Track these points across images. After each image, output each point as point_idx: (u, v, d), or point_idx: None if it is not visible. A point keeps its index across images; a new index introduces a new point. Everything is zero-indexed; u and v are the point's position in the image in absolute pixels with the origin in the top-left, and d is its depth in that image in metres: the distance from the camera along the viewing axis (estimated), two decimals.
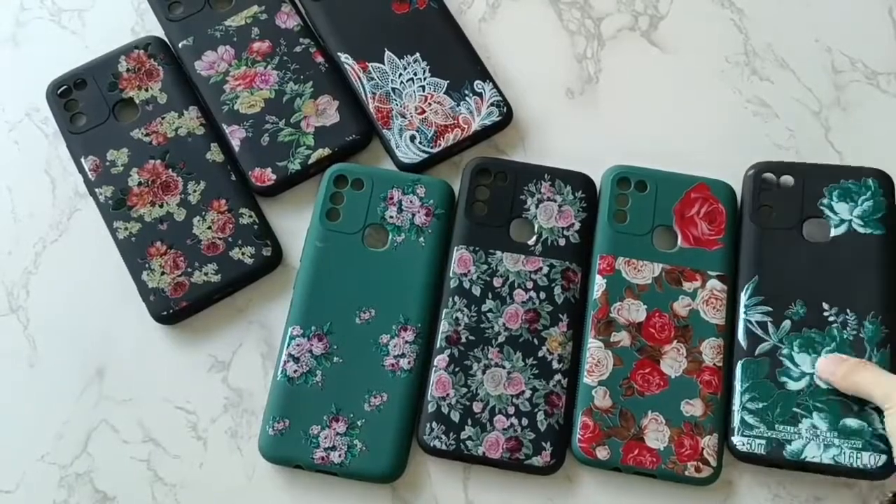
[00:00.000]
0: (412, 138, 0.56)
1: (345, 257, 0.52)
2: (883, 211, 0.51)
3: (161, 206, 0.54)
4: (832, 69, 0.59)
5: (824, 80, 0.58)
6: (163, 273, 0.53)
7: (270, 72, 0.57)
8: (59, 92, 0.57)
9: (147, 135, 0.56)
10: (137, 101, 0.57)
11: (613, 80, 0.59)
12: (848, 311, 0.49)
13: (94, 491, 0.51)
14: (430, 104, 0.56)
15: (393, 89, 0.57)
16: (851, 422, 0.47)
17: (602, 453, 0.48)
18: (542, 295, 0.51)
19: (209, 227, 0.54)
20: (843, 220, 0.51)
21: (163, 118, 0.56)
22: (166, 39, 0.59)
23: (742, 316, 0.50)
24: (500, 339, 0.51)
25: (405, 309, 0.51)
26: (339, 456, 0.49)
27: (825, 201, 0.52)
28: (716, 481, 0.49)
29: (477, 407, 0.50)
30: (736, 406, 0.48)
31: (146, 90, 0.57)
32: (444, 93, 0.57)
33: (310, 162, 0.55)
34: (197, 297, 0.53)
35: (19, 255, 0.55)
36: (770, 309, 0.49)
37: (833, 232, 0.51)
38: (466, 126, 0.56)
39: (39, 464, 0.51)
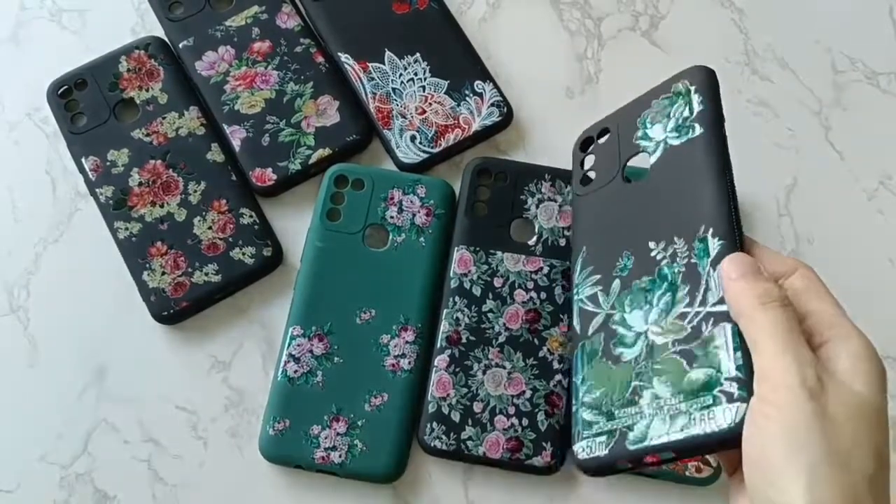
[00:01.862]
0: (412, 138, 0.56)
1: (345, 257, 0.52)
2: (698, 108, 0.41)
3: (162, 206, 0.54)
4: (832, 69, 0.59)
5: (825, 79, 0.58)
6: (163, 273, 0.53)
7: (271, 72, 0.57)
8: (59, 92, 0.57)
9: (148, 135, 0.56)
10: (138, 102, 0.56)
11: (614, 80, 0.59)
12: (675, 238, 0.38)
13: (95, 491, 0.51)
14: (430, 104, 0.56)
15: (393, 89, 0.57)
16: (697, 373, 0.34)
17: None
18: (543, 295, 0.51)
19: (210, 227, 0.54)
20: (657, 143, 0.41)
21: (163, 118, 0.56)
22: (167, 39, 0.59)
23: (575, 298, 0.40)
24: (501, 339, 0.51)
25: (406, 309, 0.51)
26: (340, 456, 0.49)
27: (640, 134, 0.42)
28: (717, 481, 0.49)
29: (477, 407, 0.49)
30: (575, 405, 0.38)
31: (147, 90, 0.57)
32: (445, 93, 0.57)
33: (310, 162, 0.55)
34: (197, 297, 0.53)
35: (19, 255, 0.55)
36: (599, 276, 0.40)
37: (651, 160, 0.41)
38: (467, 126, 0.56)
39: (40, 464, 0.51)
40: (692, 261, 0.36)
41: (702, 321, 0.34)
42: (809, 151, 0.57)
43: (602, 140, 0.44)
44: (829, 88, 0.58)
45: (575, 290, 0.40)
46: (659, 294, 0.37)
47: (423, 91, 0.57)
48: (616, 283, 0.38)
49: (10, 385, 0.53)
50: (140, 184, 0.55)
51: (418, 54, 0.57)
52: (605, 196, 0.42)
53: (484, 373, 0.50)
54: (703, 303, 0.35)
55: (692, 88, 0.40)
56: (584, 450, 0.36)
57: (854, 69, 0.59)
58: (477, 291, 0.52)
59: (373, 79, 0.57)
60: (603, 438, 0.34)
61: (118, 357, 0.53)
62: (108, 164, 0.55)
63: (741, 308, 0.32)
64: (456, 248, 0.52)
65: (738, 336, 0.33)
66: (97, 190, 0.55)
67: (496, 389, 0.50)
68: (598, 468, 0.35)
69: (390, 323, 0.51)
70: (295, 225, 0.55)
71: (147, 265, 0.53)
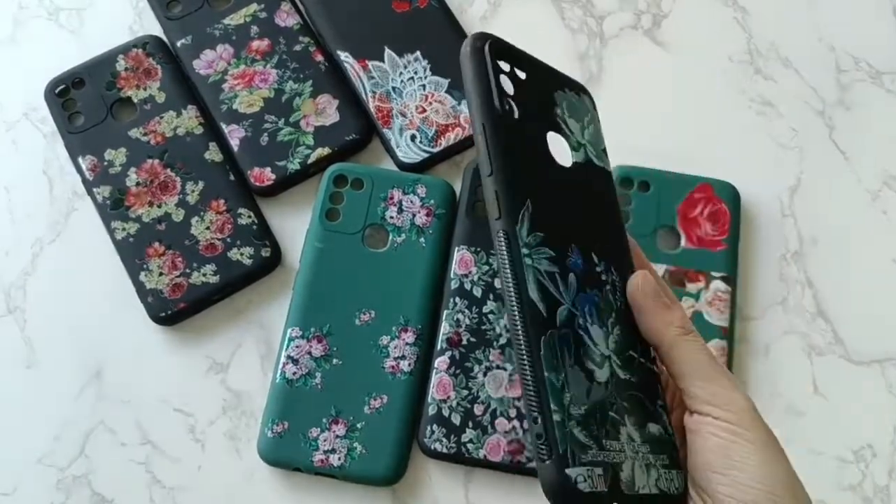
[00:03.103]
0: (413, 137, 0.55)
1: (344, 258, 0.52)
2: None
3: (159, 206, 0.54)
4: (836, 68, 0.58)
5: (828, 79, 0.58)
6: (161, 274, 0.52)
7: (269, 71, 0.57)
8: (56, 91, 0.56)
9: (145, 134, 0.55)
10: (135, 101, 0.56)
11: (616, 79, 0.58)
12: (611, 268, 0.33)
13: (92, 493, 0.50)
14: (430, 103, 0.56)
15: (393, 88, 0.56)
16: (653, 427, 0.31)
17: None
18: None
19: (208, 228, 0.53)
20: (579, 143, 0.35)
21: (161, 117, 0.56)
22: (165, 38, 0.58)
23: (528, 262, 0.29)
24: (502, 340, 0.50)
25: (405, 310, 0.51)
26: (339, 459, 0.48)
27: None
28: None
29: (478, 409, 0.49)
30: (558, 414, 0.28)
31: (144, 89, 0.56)
32: (445, 92, 0.56)
33: (309, 161, 0.55)
34: (195, 298, 0.52)
35: (17, 255, 0.55)
36: (552, 254, 0.30)
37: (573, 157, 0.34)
38: (467, 125, 0.55)
39: (37, 466, 0.51)
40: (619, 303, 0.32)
41: (647, 375, 0.32)
42: (813, 151, 0.56)
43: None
44: (833, 88, 0.58)
45: (523, 250, 0.29)
46: (611, 322, 0.31)
47: (424, 90, 0.56)
48: (572, 279, 0.30)
49: (7, 386, 0.53)
50: (137, 183, 0.54)
51: (418, 52, 0.57)
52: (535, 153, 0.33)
53: (485, 375, 0.50)
54: (644, 354, 0.32)
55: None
56: (585, 480, 0.28)
57: (858, 68, 0.58)
58: (478, 292, 0.51)
59: (372, 77, 0.56)
60: (599, 471, 0.28)
61: (115, 358, 0.53)
62: (105, 163, 0.55)
63: (663, 339, 0.31)
64: (456, 249, 0.52)
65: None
66: (94, 190, 0.54)
67: (497, 391, 0.49)
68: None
69: (390, 324, 0.51)
70: (294, 225, 0.55)
71: (144, 266, 0.53)
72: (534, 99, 0.32)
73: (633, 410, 0.31)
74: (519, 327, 0.28)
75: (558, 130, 0.33)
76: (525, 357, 0.28)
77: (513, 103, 0.31)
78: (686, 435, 0.31)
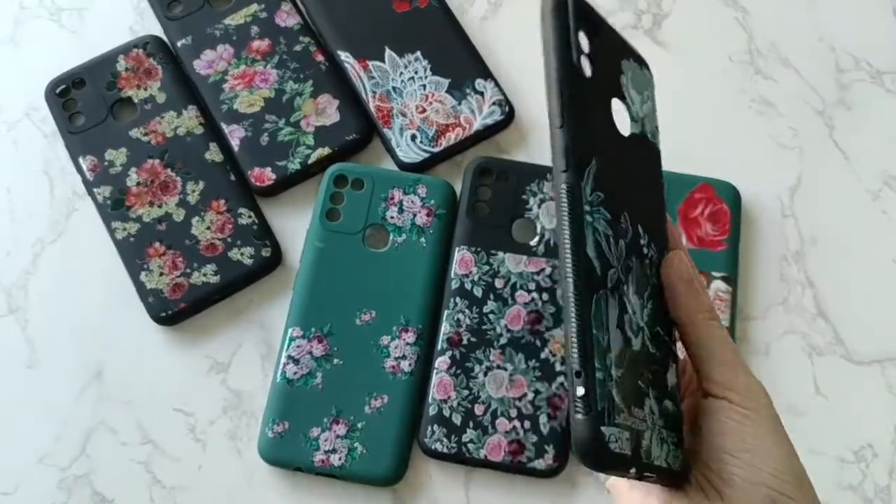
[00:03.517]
0: (413, 137, 0.55)
1: (345, 258, 0.52)
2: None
3: (160, 206, 0.54)
4: (836, 68, 0.58)
5: (828, 79, 0.58)
6: (161, 274, 0.52)
7: (270, 71, 0.57)
8: (57, 91, 0.56)
9: (146, 134, 0.55)
10: (136, 101, 0.56)
11: None
12: (652, 244, 0.32)
13: (93, 493, 0.50)
14: (431, 103, 0.56)
15: (394, 88, 0.56)
16: (668, 404, 0.31)
17: None
18: (545, 296, 0.51)
19: (208, 228, 0.53)
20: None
21: (161, 117, 0.56)
22: (165, 38, 0.58)
23: (588, 219, 0.29)
24: (502, 340, 0.50)
25: (406, 310, 0.51)
26: (340, 459, 0.48)
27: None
28: None
29: (479, 409, 0.49)
30: (601, 372, 0.27)
31: (145, 89, 0.56)
32: (446, 91, 0.56)
33: (310, 161, 0.55)
34: (196, 299, 0.52)
35: (18, 255, 0.55)
36: (609, 216, 0.30)
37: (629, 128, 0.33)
38: (468, 125, 0.55)
39: (38, 465, 0.51)
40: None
41: (668, 353, 0.33)
42: (813, 151, 0.56)
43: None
44: (834, 88, 0.58)
45: (585, 207, 0.29)
46: (647, 294, 0.31)
47: (424, 90, 0.56)
48: (622, 245, 0.30)
49: (8, 386, 0.53)
50: (138, 183, 0.54)
51: (419, 52, 0.57)
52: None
53: (485, 375, 0.50)
54: (668, 333, 0.33)
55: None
56: (616, 441, 0.28)
57: (858, 68, 0.58)
58: (478, 292, 0.51)
59: (373, 77, 0.56)
60: (627, 435, 0.28)
61: (116, 358, 0.53)
62: (105, 163, 0.55)
63: (692, 321, 0.32)
64: (457, 249, 0.52)
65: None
66: (95, 190, 0.54)
67: (498, 391, 0.49)
68: (616, 466, 0.29)
69: (390, 324, 0.51)
70: (294, 225, 0.55)
71: (145, 266, 0.53)
72: (603, 62, 0.32)
73: (655, 384, 0.31)
74: (571, 282, 0.28)
75: (621, 98, 0.33)
76: (574, 312, 0.28)
77: (586, 62, 0.31)
78: (699, 417, 0.32)
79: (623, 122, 0.33)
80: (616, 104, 0.32)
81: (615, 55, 0.34)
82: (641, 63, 0.36)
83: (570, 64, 0.30)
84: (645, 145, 0.34)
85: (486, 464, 0.49)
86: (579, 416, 0.27)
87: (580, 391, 0.27)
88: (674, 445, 0.31)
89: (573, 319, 0.27)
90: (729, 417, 0.31)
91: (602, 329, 0.28)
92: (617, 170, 0.31)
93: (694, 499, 0.31)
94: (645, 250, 0.32)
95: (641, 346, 0.30)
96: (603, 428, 0.27)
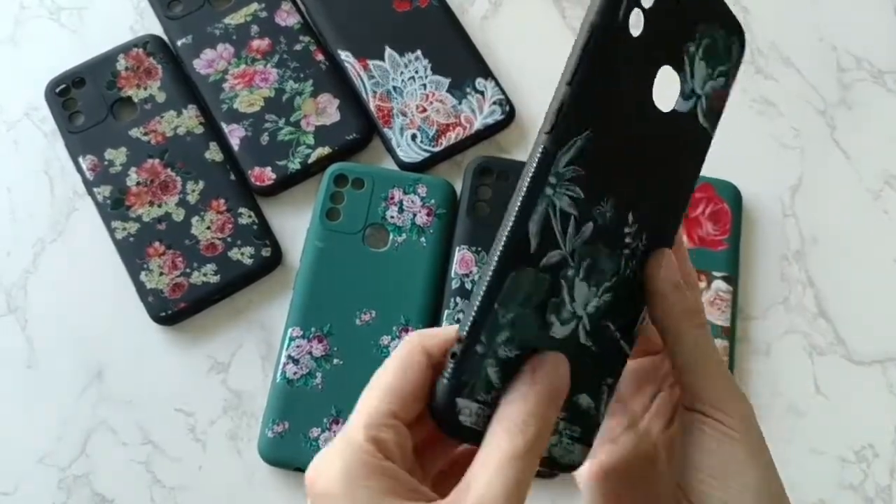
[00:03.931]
0: (413, 137, 0.55)
1: (345, 257, 0.52)
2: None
3: (160, 205, 0.54)
4: (838, 68, 0.58)
5: (830, 78, 0.58)
6: (161, 273, 0.52)
7: (270, 70, 0.57)
8: (57, 91, 0.56)
9: (145, 134, 0.55)
10: (136, 100, 0.56)
11: None
12: (643, 233, 0.29)
13: (93, 493, 0.50)
14: (431, 102, 0.56)
15: (394, 87, 0.56)
16: (584, 399, 0.29)
17: None
18: None
19: (208, 227, 0.53)
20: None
21: (161, 117, 0.56)
22: (165, 38, 0.58)
23: (548, 192, 0.26)
24: None
25: (406, 310, 0.51)
26: None
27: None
28: None
29: None
30: (482, 347, 0.26)
31: (145, 89, 0.56)
32: (446, 91, 0.56)
33: (310, 161, 0.55)
34: (196, 298, 0.52)
35: (18, 255, 0.55)
36: (581, 196, 0.27)
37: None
38: (468, 125, 0.55)
39: (38, 465, 0.51)
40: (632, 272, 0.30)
41: (610, 350, 0.30)
42: (814, 151, 0.56)
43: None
44: (835, 87, 0.58)
45: (551, 179, 0.26)
46: (606, 286, 0.28)
47: (424, 89, 0.56)
48: (588, 228, 0.27)
49: (8, 386, 0.53)
50: (138, 183, 0.54)
51: (419, 52, 0.57)
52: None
53: None
54: (625, 332, 0.30)
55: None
56: (469, 415, 0.27)
57: (860, 68, 0.58)
58: None
59: (373, 77, 0.56)
60: (489, 413, 0.27)
61: (116, 358, 0.53)
62: (105, 163, 0.55)
63: (673, 328, 0.29)
64: (457, 249, 0.52)
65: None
66: (95, 189, 0.54)
67: None
68: (466, 437, 0.28)
69: (390, 324, 0.50)
70: (294, 225, 0.55)
71: (145, 265, 0.53)
72: (667, 21, 0.28)
73: (574, 375, 0.28)
74: (498, 251, 0.26)
75: (677, 68, 0.29)
76: (487, 281, 0.26)
77: (642, 17, 0.26)
78: (676, 430, 0.30)
79: (670, 95, 0.29)
80: (666, 73, 0.28)
81: (693, 16, 0.29)
82: (732, 33, 0.30)
83: (613, 14, 0.26)
84: (690, 127, 0.29)
85: None
86: (443, 380, 0.26)
87: (453, 354, 0.26)
88: (570, 440, 0.29)
89: (483, 288, 0.26)
90: (706, 434, 0.29)
91: (508, 306, 0.26)
92: (627, 148, 0.28)
93: None
94: (627, 240, 0.29)
95: (570, 335, 0.28)
96: (458, 399, 0.26)
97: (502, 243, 0.26)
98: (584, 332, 0.28)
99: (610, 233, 0.28)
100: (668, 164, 0.29)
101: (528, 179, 0.25)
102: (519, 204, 0.25)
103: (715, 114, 0.30)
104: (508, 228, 0.26)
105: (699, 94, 0.29)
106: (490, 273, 0.26)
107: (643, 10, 0.26)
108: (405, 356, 0.27)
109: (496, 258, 0.26)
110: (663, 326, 0.29)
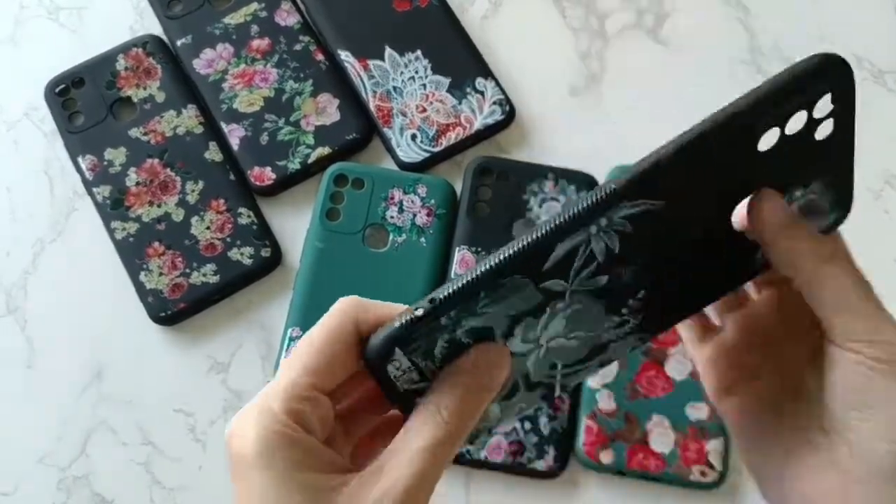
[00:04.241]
0: (413, 137, 0.55)
1: (345, 258, 0.52)
2: None
3: (159, 205, 0.54)
4: None
5: None
6: (161, 274, 0.52)
7: (270, 70, 0.56)
8: (57, 91, 0.56)
9: (145, 134, 0.55)
10: (135, 100, 0.56)
11: (617, 78, 0.58)
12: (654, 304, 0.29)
13: (93, 493, 0.50)
14: (431, 102, 0.56)
15: (394, 87, 0.56)
16: (495, 408, 0.29)
17: (606, 457, 0.48)
18: None
19: (208, 228, 0.53)
20: None
21: (161, 117, 0.55)
22: (165, 37, 0.58)
23: (592, 230, 0.26)
24: None
25: None
26: None
27: None
28: (721, 485, 0.48)
29: None
30: (447, 320, 0.26)
31: (144, 89, 0.56)
32: (446, 91, 0.56)
33: (310, 161, 0.55)
34: (195, 299, 0.52)
35: (17, 255, 0.55)
36: (616, 249, 0.27)
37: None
38: (468, 125, 0.55)
39: (38, 466, 0.51)
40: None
41: (541, 389, 0.30)
42: None
43: None
44: None
45: (602, 220, 0.26)
46: (578, 335, 0.29)
47: (424, 89, 0.56)
48: (602, 280, 0.27)
49: (7, 386, 0.52)
50: (137, 183, 0.54)
51: (419, 52, 0.57)
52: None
53: None
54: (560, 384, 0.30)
55: None
56: (398, 369, 0.28)
57: (860, 67, 0.58)
58: None
59: (373, 77, 0.56)
60: (416, 377, 0.28)
61: (116, 358, 0.53)
62: (105, 163, 0.54)
63: (798, 271, 0.27)
64: (457, 249, 0.52)
65: None
66: (94, 189, 0.54)
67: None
68: (384, 386, 0.28)
69: None
70: (294, 225, 0.55)
71: (144, 266, 0.52)
72: (795, 159, 0.27)
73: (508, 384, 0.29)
74: (514, 249, 0.26)
75: (793, 188, 0.28)
76: (487, 268, 0.26)
77: (776, 138, 0.26)
78: (822, 361, 0.28)
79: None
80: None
81: (818, 167, 0.28)
82: (839, 207, 0.30)
83: (757, 118, 0.26)
84: (742, 254, 0.29)
85: (486, 464, 0.48)
86: (394, 324, 0.26)
87: (418, 311, 0.26)
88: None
89: (475, 272, 0.26)
90: (852, 368, 0.27)
91: (491, 300, 0.26)
92: (680, 236, 0.27)
93: (820, 446, 0.28)
94: (624, 311, 0.28)
95: (523, 353, 0.28)
96: (397, 350, 0.26)
97: (523, 245, 0.26)
98: (535, 358, 0.28)
99: (614, 296, 0.28)
100: (703, 271, 0.29)
101: (584, 207, 0.25)
102: (560, 222, 0.26)
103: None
104: (537, 237, 0.26)
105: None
106: (493, 264, 0.26)
107: (782, 133, 0.26)
108: (335, 328, 0.27)
109: (508, 254, 0.26)
110: (787, 272, 0.28)
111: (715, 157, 0.26)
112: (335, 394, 0.28)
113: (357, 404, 0.29)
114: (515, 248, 0.26)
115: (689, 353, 0.34)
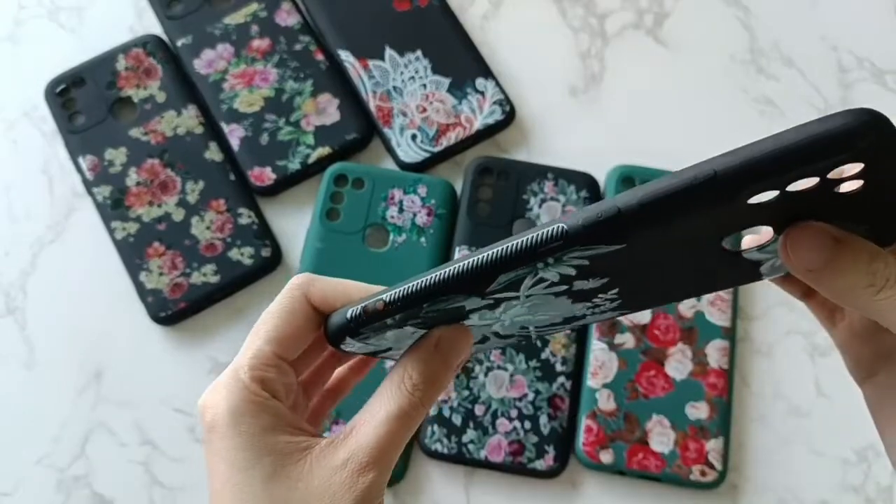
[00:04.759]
0: (413, 137, 0.55)
1: (345, 258, 0.51)
2: None
3: (159, 205, 0.54)
4: (839, 68, 0.58)
5: (831, 78, 0.58)
6: (161, 274, 0.52)
7: (270, 70, 0.56)
8: (57, 90, 0.56)
9: (145, 134, 0.55)
10: (136, 100, 0.56)
11: (618, 78, 0.58)
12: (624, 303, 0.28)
13: (92, 494, 0.50)
14: (431, 102, 0.56)
15: (394, 87, 0.56)
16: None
17: (606, 457, 0.48)
18: None
19: (208, 228, 0.53)
20: None
21: (161, 117, 0.55)
22: (165, 38, 0.58)
23: (538, 266, 0.24)
24: None
25: None
26: None
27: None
28: (721, 485, 0.48)
29: (479, 410, 0.49)
30: (392, 321, 0.27)
31: (144, 89, 0.56)
32: (446, 91, 0.56)
33: (310, 161, 0.55)
34: (195, 298, 0.52)
35: (17, 255, 0.55)
36: (572, 273, 0.25)
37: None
38: (468, 125, 0.55)
39: (37, 466, 0.51)
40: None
41: None
42: None
43: None
44: (836, 87, 0.58)
45: (551, 258, 0.23)
46: (545, 317, 0.28)
47: (425, 89, 0.56)
48: (561, 289, 0.25)
49: (7, 387, 0.52)
50: (138, 183, 0.54)
51: (419, 52, 0.57)
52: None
53: (486, 375, 0.49)
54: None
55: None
56: (353, 346, 0.29)
57: (861, 68, 0.58)
58: None
59: (373, 77, 0.56)
60: (371, 350, 0.30)
61: (116, 358, 0.53)
62: (105, 163, 0.54)
63: (854, 306, 0.25)
64: (457, 249, 0.52)
65: None
66: (94, 189, 0.54)
67: (498, 392, 0.49)
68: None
69: None
70: (294, 225, 0.55)
71: (144, 266, 0.52)
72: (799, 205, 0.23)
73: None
74: (454, 271, 0.24)
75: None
76: (429, 285, 0.25)
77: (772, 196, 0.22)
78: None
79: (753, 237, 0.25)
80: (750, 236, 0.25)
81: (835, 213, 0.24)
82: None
83: (774, 182, 0.21)
84: (741, 265, 0.26)
85: (486, 464, 0.48)
86: (346, 314, 0.27)
87: (378, 305, 0.26)
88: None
89: (418, 284, 0.25)
90: None
91: (435, 308, 0.26)
92: (653, 260, 0.24)
93: None
94: (596, 300, 0.26)
95: (487, 324, 0.28)
96: (348, 337, 0.28)
97: (463, 269, 0.24)
98: (500, 326, 0.28)
99: (581, 294, 0.26)
100: (688, 275, 0.26)
101: (528, 247, 0.23)
102: (501, 256, 0.23)
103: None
104: (477, 265, 0.24)
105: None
106: (435, 282, 0.25)
107: (783, 192, 0.21)
108: (288, 303, 0.29)
109: (449, 276, 0.24)
110: (843, 305, 0.25)
111: (689, 213, 0.22)
112: (296, 364, 0.29)
113: (315, 371, 0.32)
114: (453, 273, 0.24)
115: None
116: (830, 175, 0.21)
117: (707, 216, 0.22)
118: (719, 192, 0.21)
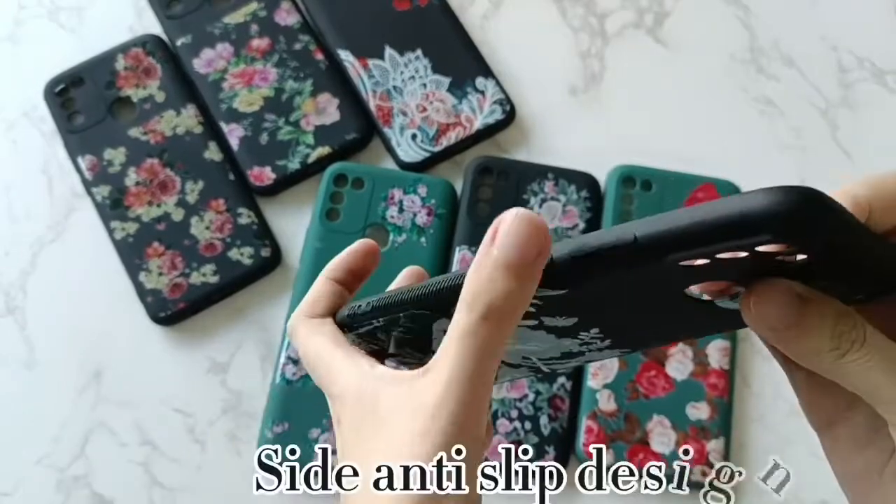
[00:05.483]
0: (413, 137, 0.55)
1: None
2: None
3: (159, 205, 0.54)
4: (839, 68, 0.58)
5: (831, 78, 0.58)
6: (160, 274, 0.52)
7: (269, 69, 0.56)
8: (56, 90, 0.56)
9: (145, 133, 0.55)
10: (135, 100, 0.56)
11: (618, 77, 0.58)
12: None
13: (92, 494, 0.50)
14: (431, 102, 0.56)
15: (394, 87, 0.56)
16: None
17: (606, 457, 0.48)
18: None
19: (207, 227, 0.53)
20: None
21: (161, 117, 0.55)
22: (165, 37, 0.58)
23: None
24: None
25: None
26: None
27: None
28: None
29: None
30: (378, 323, 0.29)
31: (144, 88, 0.56)
32: (446, 90, 0.56)
33: (309, 161, 0.54)
34: (195, 298, 0.52)
35: (16, 255, 0.55)
36: (533, 310, 0.25)
37: None
38: (469, 124, 0.55)
39: (37, 466, 0.51)
40: None
41: None
42: (816, 151, 0.56)
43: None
44: (836, 87, 0.57)
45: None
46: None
47: (425, 88, 0.56)
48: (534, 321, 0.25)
49: (6, 387, 0.52)
50: (137, 183, 0.54)
51: (419, 51, 0.57)
52: None
53: None
54: None
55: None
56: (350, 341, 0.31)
57: (861, 68, 0.58)
58: None
59: (373, 76, 0.56)
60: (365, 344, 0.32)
61: (115, 359, 0.53)
62: (104, 163, 0.54)
63: (817, 369, 0.24)
64: (458, 249, 0.52)
65: None
66: (93, 189, 0.54)
67: (498, 392, 0.49)
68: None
69: None
70: (294, 225, 0.55)
71: (144, 266, 0.52)
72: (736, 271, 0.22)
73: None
74: (431, 291, 0.25)
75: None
76: (403, 301, 0.26)
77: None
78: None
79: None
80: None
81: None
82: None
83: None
84: (716, 311, 0.24)
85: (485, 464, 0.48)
86: (343, 314, 0.29)
87: (365, 307, 0.28)
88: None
89: (397, 297, 0.26)
90: None
91: (414, 321, 0.27)
92: (613, 297, 0.23)
93: None
94: (583, 336, 0.26)
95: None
96: (348, 333, 0.30)
97: (437, 289, 0.25)
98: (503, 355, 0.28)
99: (562, 331, 0.26)
100: (668, 317, 0.26)
101: (454, 288, 0.24)
102: (438, 289, 0.25)
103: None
104: (440, 290, 0.24)
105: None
106: (409, 299, 0.26)
107: (714, 260, 0.20)
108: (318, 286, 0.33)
109: (424, 295, 0.25)
110: (808, 367, 0.25)
111: (618, 270, 0.21)
112: None
113: None
114: (429, 292, 0.25)
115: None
116: (760, 249, 0.20)
117: (643, 272, 0.21)
118: (642, 255, 0.20)
